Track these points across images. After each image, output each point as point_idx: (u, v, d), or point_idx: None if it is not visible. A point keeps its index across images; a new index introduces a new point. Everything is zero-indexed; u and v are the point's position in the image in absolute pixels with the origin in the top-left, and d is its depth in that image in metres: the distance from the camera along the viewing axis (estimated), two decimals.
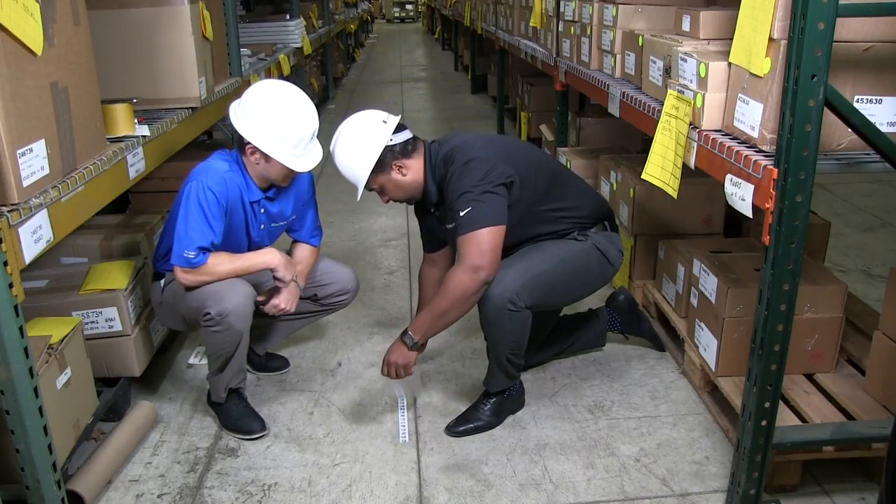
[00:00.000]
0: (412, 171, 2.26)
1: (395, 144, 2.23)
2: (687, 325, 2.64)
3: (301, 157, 2.21)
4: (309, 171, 2.43)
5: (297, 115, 2.18)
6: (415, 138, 2.30)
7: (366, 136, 2.22)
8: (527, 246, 2.32)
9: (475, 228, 2.09)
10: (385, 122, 2.25)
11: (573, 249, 2.32)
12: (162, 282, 2.37)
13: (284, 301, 2.34)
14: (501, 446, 2.32)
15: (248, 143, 2.17)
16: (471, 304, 2.13)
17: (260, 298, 2.35)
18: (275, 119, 2.15)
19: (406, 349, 2.20)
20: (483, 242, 2.08)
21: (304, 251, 2.52)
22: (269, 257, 2.30)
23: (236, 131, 2.19)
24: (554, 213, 2.33)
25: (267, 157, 2.18)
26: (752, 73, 1.77)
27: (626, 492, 2.11)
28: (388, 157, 2.22)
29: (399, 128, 2.26)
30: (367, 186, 2.25)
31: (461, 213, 2.11)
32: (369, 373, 2.76)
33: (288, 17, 5.77)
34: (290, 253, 2.50)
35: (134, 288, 2.46)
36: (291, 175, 2.28)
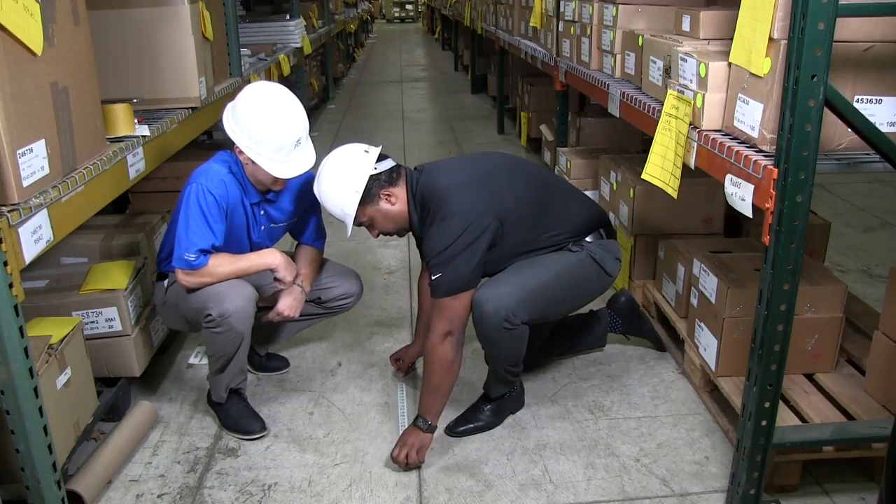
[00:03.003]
0: (400, 199, 2.23)
1: (380, 173, 2.20)
2: (687, 325, 2.64)
3: (285, 162, 2.18)
4: (310, 174, 2.43)
5: (278, 121, 2.15)
6: (398, 166, 2.27)
7: (349, 168, 2.18)
8: (522, 260, 2.28)
9: (442, 296, 2.10)
10: (367, 151, 2.22)
11: (569, 262, 2.28)
12: (165, 282, 2.37)
13: (288, 307, 2.34)
14: (501, 446, 2.32)
15: (235, 143, 2.18)
16: (457, 366, 2.17)
17: (264, 304, 2.35)
18: (256, 123, 2.13)
19: (421, 432, 2.19)
20: (450, 309, 2.11)
21: (308, 255, 2.51)
22: (269, 258, 2.30)
23: (224, 137, 2.19)
24: (545, 235, 2.29)
25: (253, 160, 2.18)
26: (752, 73, 1.77)
27: (626, 492, 2.11)
28: (375, 187, 2.19)
29: (381, 157, 2.23)
30: (356, 220, 2.22)
31: (432, 278, 2.11)
32: (369, 373, 2.76)
33: (288, 17, 5.77)
34: (294, 256, 2.50)
35: (134, 288, 2.46)
36: (280, 181, 2.25)
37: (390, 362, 2.73)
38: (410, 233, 2.36)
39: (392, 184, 2.22)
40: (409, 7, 23.59)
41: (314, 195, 2.50)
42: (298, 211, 2.47)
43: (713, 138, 1.90)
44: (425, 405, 2.21)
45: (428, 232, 2.16)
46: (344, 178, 2.18)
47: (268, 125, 2.14)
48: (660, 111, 2.18)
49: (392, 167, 2.24)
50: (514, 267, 2.25)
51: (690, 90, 2.04)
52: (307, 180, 2.44)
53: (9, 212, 1.59)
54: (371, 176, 2.18)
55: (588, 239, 2.35)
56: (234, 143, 2.19)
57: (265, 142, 2.14)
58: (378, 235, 2.32)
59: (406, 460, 2.18)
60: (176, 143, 2.68)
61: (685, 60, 2.09)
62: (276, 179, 2.23)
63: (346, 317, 3.01)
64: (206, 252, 2.16)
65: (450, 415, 2.44)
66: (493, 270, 2.24)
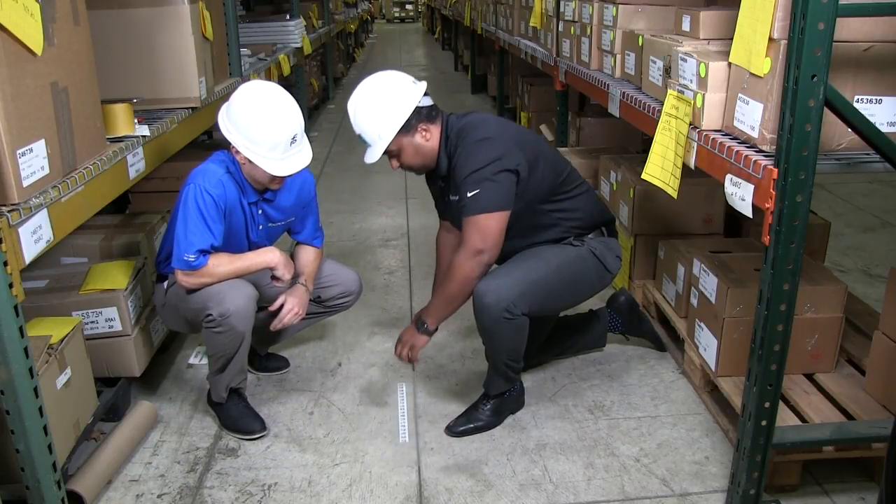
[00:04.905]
0: (434, 137, 2.24)
1: (423, 108, 2.21)
2: (687, 325, 2.64)
3: (281, 160, 2.17)
4: (309, 172, 2.42)
5: (273, 119, 2.14)
6: (436, 106, 2.28)
7: (397, 94, 2.18)
8: (522, 252, 2.30)
9: (479, 212, 2.11)
10: (415, 83, 2.23)
11: (569, 256, 2.31)
12: (165, 284, 2.37)
13: (298, 306, 2.35)
14: (501, 446, 2.32)
15: (231, 143, 2.17)
16: (474, 285, 2.17)
17: (272, 308, 2.35)
18: (251, 122, 2.13)
19: (417, 333, 2.26)
20: (486, 227, 2.11)
21: (308, 254, 2.51)
22: (268, 256, 2.30)
23: (222, 138, 2.19)
24: (554, 214, 2.32)
25: (250, 160, 2.18)
26: (752, 73, 1.77)
27: (626, 492, 2.11)
28: (415, 120, 2.19)
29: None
30: (386, 148, 2.21)
31: (468, 195, 2.11)
32: (369, 373, 2.76)
33: (288, 17, 5.77)
34: (294, 256, 2.50)
35: (134, 288, 2.46)
36: (278, 179, 2.24)
37: (397, 351, 2.41)
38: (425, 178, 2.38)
39: (431, 121, 2.23)
40: (409, 7, 23.57)
41: (313, 194, 2.50)
42: (296, 210, 2.46)
43: (713, 138, 1.90)
44: (430, 309, 2.25)
45: (463, 152, 2.17)
46: (390, 103, 2.17)
47: (263, 123, 2.13)
48: (660, 111, 2.18)
49: (433, 105, 2.25)
50: (514, 260, 2.27)
51: (690, 90, 2.04)
52: (305, 180, 2.44)
53: (9, 212, 1.59)
54: (416, 107, 2.18)
55: (590, 235, 2.37)
56: (230, 144, 2.18)
57: (261, 140, 2.14)
58: (398, 167, 2.30)
59: (399, 356, 2.29)
60: (176, 143, 2.68)
61: (685, 60, 2.09)
62: (273, 178, 2.22)
63: (346, 317, 3.01)
64: (205, 252, 2.16)
65: (450, 414, 2.44)
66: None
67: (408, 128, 2.19)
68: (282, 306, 2.35)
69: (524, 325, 2.21)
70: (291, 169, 2.20)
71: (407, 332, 2.30)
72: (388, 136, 2.17)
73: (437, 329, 2.28)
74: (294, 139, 2.18)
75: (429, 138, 2.23)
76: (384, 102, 2.17)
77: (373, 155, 2.22)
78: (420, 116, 2.20)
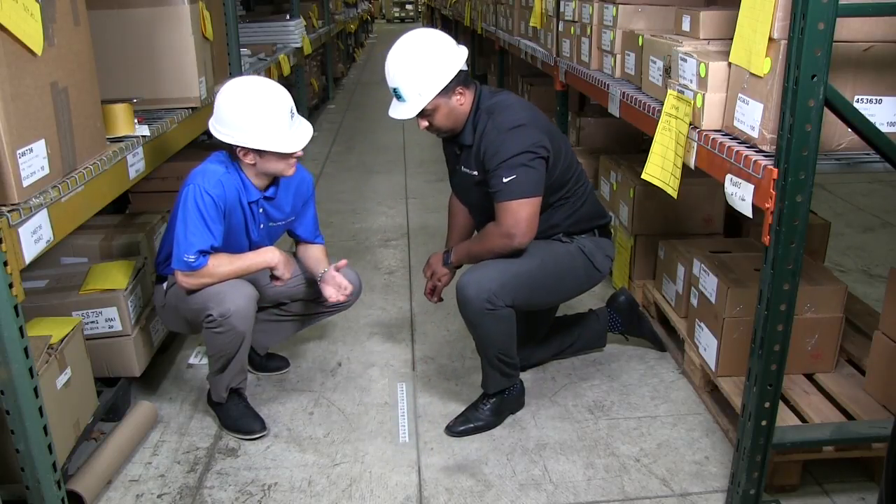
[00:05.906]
0: (467, 102, 2.25)
1: (462, 71, 2.21)
2: (687, 325, 2.64)
3: (291, 137, 2.18)
4: (307, 171, 2.42)
5: (266, 101, 2.15)
6: (469, 72, 2.29)
7: (443, 53, 2.18)
8: None
9: (514, 198, 2.14)
10: (458, 45, 2.24)
11: (556, 251, 2.33)
12: (165, 284, 2.37)
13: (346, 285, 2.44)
14: (501, 446, 2.32)
15: (237, 147, 2.17)
16: (495, 257, 2.25)
17: (334, 273, 2.43)
18: (248, 114, 2.13)
19: (441, 263, 2.42)
20: (519, 212, 2.15)
21: (316, 251, 2.53)
22: (268, 256, 2.30)
23: (221, 142, 2.19)
24: (555, 210, 2.33)
25: (260, 153, 2.17)
26: (752, 73, 1.77)
27: (626, 492, 2.11)
28: (454, 82, 2.19)
29: None
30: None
31: (504, 180, 2.13)
32: (369, 373, 2.76)
33: (288, 17, 5.78)
34: (299, 257, 2.51)
35: (134, 288, 2.46)
36: (291, 161, 2.24)
37: (424, 269, 2.54)
38: (444, 142, 2.41)
39: (466, 86, 2.24)
40: (409, 7, 23.55)
41: (311, 191, 2.50)
42: (297, 208, 2.46)
43: (713, 138, 1.90)
44: (459, 254, 2.38)
45: (496, 137, 2.18)
46: (436, 61, 2.17)
47: (259, 109, 2.14)
48: (660, 111, 2.18)
49: (468, 70, 2.26)
50: None
51: (690, 90, 2.04)
52: (302, 178, 2.44)
53: (9, 212, 1.59)
54: (459, 70, 2.19)
55: (582, 235, 2.39)
56: (236, 147, 2.17)
57: (264, 125, 2.13)
58: (426, 128, 2.29)
59: (424, 273, 2.48)
60: (176, 143, 2.68)
61: (685, 60, 2.09)
62: (287, 162, 2.22)
63: (346, 316, 3.02)
64: (204, 253, 2.16)
65: (450, 414, 2.44)
66: None
67: (447, 89, 2.18)
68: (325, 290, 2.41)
69: (509, 316, 2.22)
70: (302, 141, 2.21)
71: (435, 257, 2.44)
72: (430, 94, 2.17)
73: (458, 267, 2.41)
74: (292, 112, 2.21)
75: (463, 102, 2.24)
76: (429, 59, 2.16)
77: (405, 111, 2.21)
78: (459, 80, 2.20)
